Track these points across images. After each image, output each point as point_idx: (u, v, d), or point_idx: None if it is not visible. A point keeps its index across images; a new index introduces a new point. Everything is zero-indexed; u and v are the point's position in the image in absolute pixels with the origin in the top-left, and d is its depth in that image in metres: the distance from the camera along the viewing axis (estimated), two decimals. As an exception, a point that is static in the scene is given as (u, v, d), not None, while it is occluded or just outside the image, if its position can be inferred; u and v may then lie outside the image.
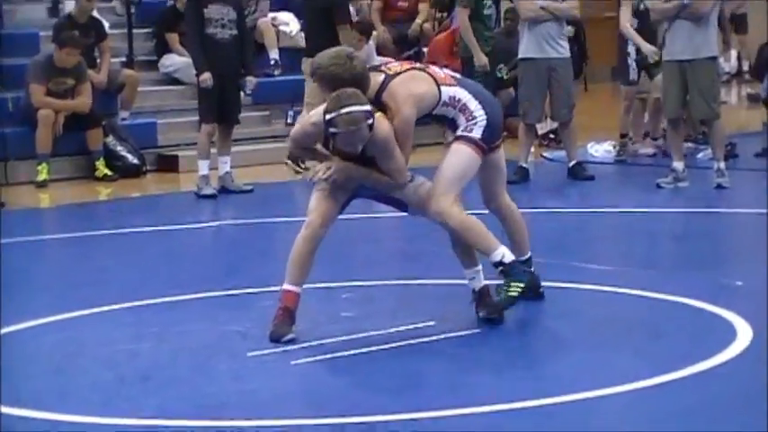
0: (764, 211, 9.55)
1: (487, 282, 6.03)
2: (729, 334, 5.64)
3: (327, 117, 5.71)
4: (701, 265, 7.46)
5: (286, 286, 5.81)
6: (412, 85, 5.91)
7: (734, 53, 18.54)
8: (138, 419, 4.79)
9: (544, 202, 10.07)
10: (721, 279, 6.94)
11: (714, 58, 10.19)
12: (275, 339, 5.69)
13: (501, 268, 5.86)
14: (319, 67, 5.90)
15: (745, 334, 5.64)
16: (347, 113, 5.65)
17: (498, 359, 5.58)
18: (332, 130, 5.72)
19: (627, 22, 11.17)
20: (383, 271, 7.49)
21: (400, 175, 5.85)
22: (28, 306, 6.74)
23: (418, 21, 15.03)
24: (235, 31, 10.60)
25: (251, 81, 10.82)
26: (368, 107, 5.69)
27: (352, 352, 5.61)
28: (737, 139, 11.90)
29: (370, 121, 5.67)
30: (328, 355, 5.58)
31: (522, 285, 5.83)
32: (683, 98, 10.04)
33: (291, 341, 5.68)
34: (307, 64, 11.23)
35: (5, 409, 4.89)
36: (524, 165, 10.78)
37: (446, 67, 13.64)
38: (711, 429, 4.52)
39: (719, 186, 9.94)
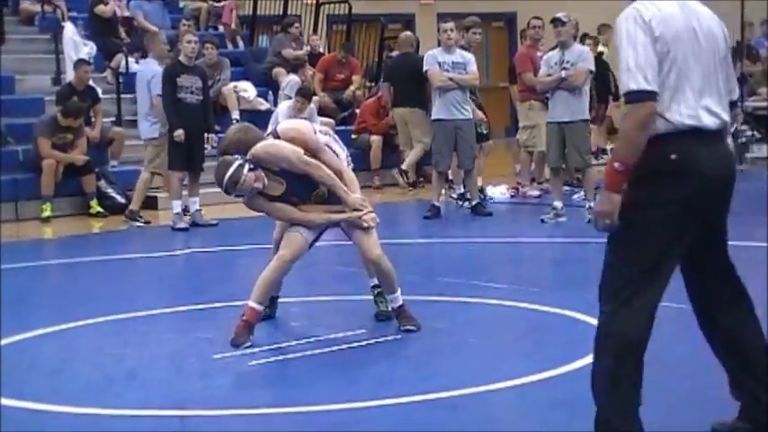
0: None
1: (405, 298, 6.06)
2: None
3: (226, 191, 5.85)
4: (576, 283, 7.51)
5: (251, 303, 5.76)
6: None
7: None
8: (124, 410, 4.75)
9: (453, 234, 10.12)
10: (592, 295, 6.98)
11: (586, 120, 10.31)
12: (236, 345, 5.66)
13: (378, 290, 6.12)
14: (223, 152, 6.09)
15: (610, 338, 5.67)
16: (228, 179, 5.70)
17: (415, 360, 5.59)
18: (236, 195, 5.85)
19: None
20: (324, 289, 7.49)
21: (330, 179, 5.87)
22: (32, 318, 6.66)
23: (351, 88, 15.08)
24: (200, 97, 10.63)
25: (212, 138, 10.83)
26: (237, 161, 5.76)
27: (300, 354, 5.60)
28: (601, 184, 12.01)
29: (248, 165, 5.72)
30: (281, 357, 5.56)
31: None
32: (562, 151, 10.16)
33: (250, 346, 5.66)
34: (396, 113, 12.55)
35: (12, 402, 4.84)
36: (437, 204, 10.82)
37: (374, 126, 13.89)
38: (582, 416, 4.56)
39: (590, 221, 10.01)
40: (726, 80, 3.88)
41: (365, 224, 5.88)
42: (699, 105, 3.73)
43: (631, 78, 3.64)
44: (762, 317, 5.99)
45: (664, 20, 3.70)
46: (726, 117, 3.81)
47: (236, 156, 5.85)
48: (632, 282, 3.94)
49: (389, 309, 6.05)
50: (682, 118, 3.69)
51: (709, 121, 3.73)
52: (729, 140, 3.96)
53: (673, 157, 3.68)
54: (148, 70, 11.19)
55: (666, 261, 3.92)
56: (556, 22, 10.11)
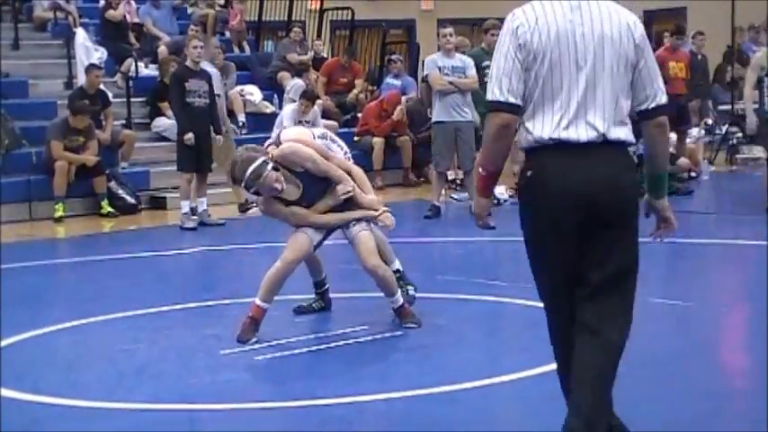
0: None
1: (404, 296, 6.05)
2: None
3: (243, 186, 5.76)
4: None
5: (257, 302, 5.75)
6: None
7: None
8: (135, 404, 4.75)
9: (453, 233, 10.11)
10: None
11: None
12: (241, 342, 5.66)
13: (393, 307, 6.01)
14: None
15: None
16: (252, 172, 5.65)
17: (417, 355, 5.59)
18: (253, 192, 5.78)
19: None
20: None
21: (340, 180, 5.86)
22: (46, 315, 6.67)
23: (354, 92, 15.08)
24: (207, 100, 10.64)
25: (219, 139, 10.86)
26: (261, 157, 5.70)
27: (305, 350, 5.60)
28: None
29: (270, 164, 5.68)
30: (286, 353, 5.56)
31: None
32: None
33: (255, 342, 5.65)
34: None
35: (27, 396, 4.84)
36: (437, 204, 10.82)
37: (376, 128, 13.87)
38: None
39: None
40: (640, 88, 3.51)
41: (381, 223, 5.90)
42: (571, 117, 3.43)
43: (490, 88, 3.50)
44: (761, 316, 6.02)
45: (535, 28, 3.42)
46: (607, 129, 3.43)
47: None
48: (544, 298, 3.78)
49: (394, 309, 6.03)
50: (543, 132, 3.44)
51: (579, 135, 3.42)
52: (633, 152, 3.74)
53: (528, 173, 3.50)
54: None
55: (552, 280, 3.66)
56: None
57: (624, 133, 3.48)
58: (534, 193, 3.49)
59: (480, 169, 3.57)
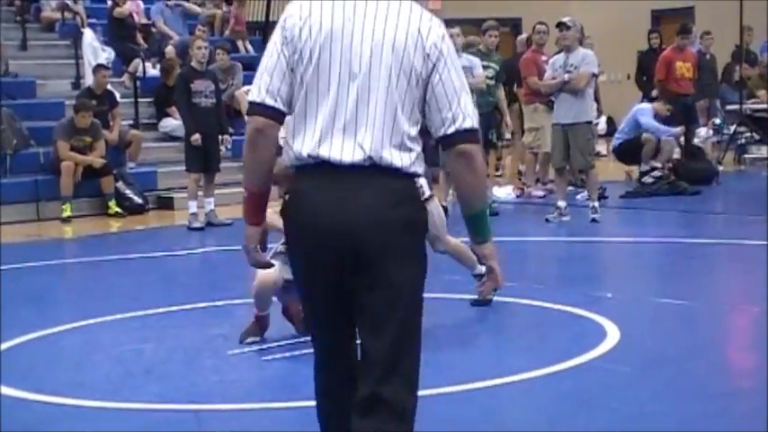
0: (628, 239, 9.67)
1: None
2: (601, 335, 5.67)
3: None
4: (580, 281, 7.52)
5: (255, 309, 5.67)
6: None
7: (603, 118, 18.76)
8: (141, 404, 4.76)
9: (459, 233, 10.08)
10: (595, 291, 6.99)
11: (589, 122, 10.30)
12: (241, 342, 5.66)
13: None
14: None
15: (613, 335, 5.67)
16: None
17: (423, 355, 5.57)
18: None
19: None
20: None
21: None
22: (53, 314, 6.68)
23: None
24: (214, 100, 10.67)
25: (227, 139, 10.90)
26: None
27: (312, 351, 5.59)
28: (607, 185, 12.05)
29: None
30: (294, 353, 5.57)
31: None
32: (566, 152, 10.15)
33: (260, 342, 5.66)
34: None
35: (34, 396, 4.85)
36: (444, 203, 10.79)
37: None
38: (586, 408, 4.56)
39: (594, 221, 10.03)
40: (435, 109, 2.88)
41: None
42: (334, 133, 2.84)
43: (251, 88, 2.97)
44: (761, 316, 6.01)
45: (306, 21, 2.86)
46: (376, 152, 2.82)
47: None
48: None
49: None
50: (303, 148, 2.87)
51: (343, 155, 2.83)
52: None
53: (287, 196, 2.95)
54: None
55: (312, 310, 3.09)
56: (561, 26, 10.12)
57: (403, 159, 2.86)
58: (290, 219, 2.95)
59: (244, 190, 3.00)
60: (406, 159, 2.88)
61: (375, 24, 2.85)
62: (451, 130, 2.89)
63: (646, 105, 13.02)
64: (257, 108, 2.91)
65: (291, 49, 2.86)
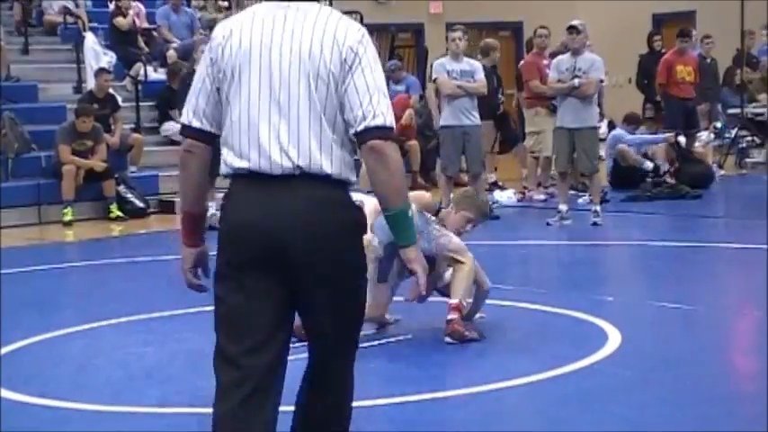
0: (629, 242, 9.67)
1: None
2: (602, 338, 5.68)
3: None
4: (581, 285, 7.52)
5: None
6: None
7: (605, 122, 18.77)
8: (143, 408, 4.76)
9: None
10: (596, 295, 7.00)
11: (596, 127, 10.32)
12: None
13: None
14: None
15: (614, 338, 5.68)
16: None
17: (426, 359, 5.58)
18: None
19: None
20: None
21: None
22: (56, 318, 6.69)
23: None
24: (215, 103, 10.68)
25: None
26: None
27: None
28: (607, 189, 12.06)
29: None
30: (294, 357, 5.55)
31: None
32: (571, 156, 10.15)
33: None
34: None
35: (36, 400, 4.85)
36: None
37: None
38: (588, 412, 4.56)
39: (595, 224, 10.03)
40: (348, 108, 2.90)
41: None
42: (262, 146, 2.90)
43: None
44: (762, 317, 6.01)
45: (228, 40, 2.95)
46: (304, 160, 2.89)
47: None
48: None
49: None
50: (233, 161, 2.96)
51: (272, 167, 2.90)
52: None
53: (221, 208, 3.06)
54: None
55: (219, 315, 3.19)
56: (571, 29, 10.12)
57: (333, 165, 2.92)
58: (221, 223, 3.03)
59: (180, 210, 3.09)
60: (336, 166, 2.94)
61: (293, 37, 2.92)
62: (361, 127, 2.92)
63: (616, 132, 13.13)
64: (185, 130, 3.03)
65: (216, 69, 2.96)
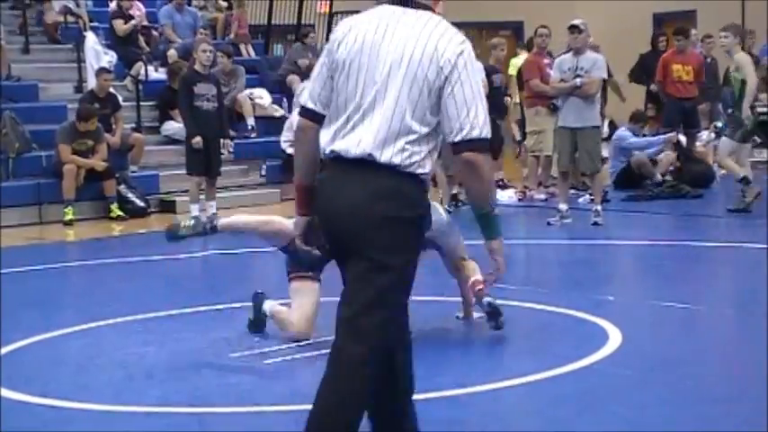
0: (630, 242, 9.67)
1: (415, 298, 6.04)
2: (603, 338, 5.68)
3: None
4: (582, 284, 7.52)
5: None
6: None
7: (606, 121, 18.74)
8: (144, 407, 4.77)
9: (462, 235, 10.07)
10: (597, 295, 7.00)
11: (598, 127, 10.31)
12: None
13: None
14: None
15: (615, 338, 5.68)
16: None
17: (425, 358, 5.56)
18: None
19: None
20: (336, 290, 7.48)
21: None
22: (57, 318, 6.69)
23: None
24: (216, 104, 10.68)
25: (228, 143, 10.92)
26: None
27: (314, 353, 5.60)
28: (608, 188, 12.05)
29: None
30: (296, 356, 5.57)
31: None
32: (573, 156, 10.15)
33: (264, 345, 5.66)
34: None
35: (37, 400, 4.86)
36: (447, 207, 10.80)
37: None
38: (588, 412, 4.56)
39: (595, 224, 10.03)
40: (446, 119, 3.20)
41: None
42: (347, 131, 3.25)
43: None
44: (762, 317, 6.01)
45: (345, 36, 3.31)
46: (376, 149, 3.20)
47: None
48: None
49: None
50: (325, 143, 3.32)
51: (349, 149, 3.24)
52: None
53: (315, 184, 3.40)
54: None
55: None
56: (573, 29, 10.11)
57: (403, 158, 3.20)
58: (317, 204, 3.38)
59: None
60: (407, 159, 3.22)
61: (399, 41, 3.24)
62: (458, 138, 3.20)
63: (621, 132, 13.15)
64: (300, 110, 3.44)
65: (332, 60, 3.32)
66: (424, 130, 3.23)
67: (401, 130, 3.20)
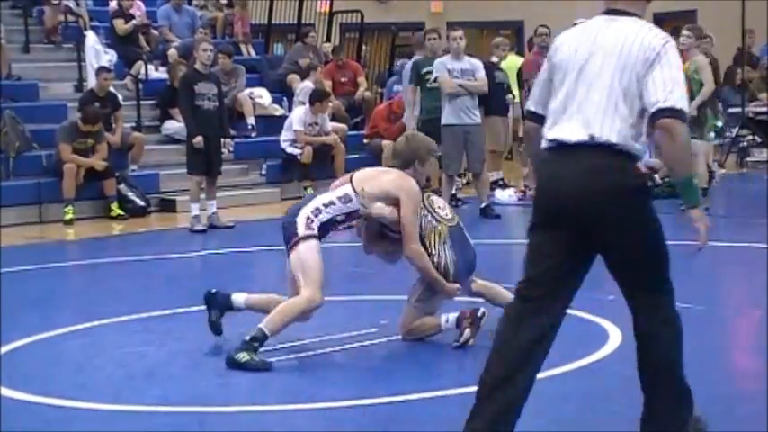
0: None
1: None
2: (603, 337, 5.69)
3: None
4: (582, 283, 7.49)
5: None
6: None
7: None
8: (144, 407, 4.76)
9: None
10: (597, 294, 6.98)
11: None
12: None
13: None
14: None
15: (615, 337, 5.68)
16: None
17: (426, 357, 5.59)
18: None
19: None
20: (337, 289, 7.47)
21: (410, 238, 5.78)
22: (57, 317, 6.69)
23: (360, 90, 15.09)
24: (216, 103, 10.68)
25: (228, 142, 10.92)
26: None
27: (314, 352, 5.61)
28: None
29: None
30: (296, 355, 5.57)
31: None
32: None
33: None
34: None
35: (37, 398, 4.85)
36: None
37: (385, 130, 13.87)
38: (588, 411, 4.56)
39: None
40: (648, 95, 3.63)
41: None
42: (565, 118, 3.69)
43: None
44: (762, 317, 6.01)
45: (561, 44, 3.83)
46: (595, 130, 3.63)
47: None
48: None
49: None
50: (547, 132, 3.75)
51: (569, 135, 3.66)
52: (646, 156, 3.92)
53: (537, 173, 3.94)
54: None
55: (527, 272, 3.93)
56: None
57: (619, 138, 3.62)
58: (538, 188, 3.86)
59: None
60: (622, 139, 3.61)
61: (610, 39, 3.69)
62: (655, 108, 3.60)
63: None
64: (526, 114, 4.03)
65: (551, 65, 3.82)
66: (636, 114, 3.63)
67: (615, 115, 3.61)
